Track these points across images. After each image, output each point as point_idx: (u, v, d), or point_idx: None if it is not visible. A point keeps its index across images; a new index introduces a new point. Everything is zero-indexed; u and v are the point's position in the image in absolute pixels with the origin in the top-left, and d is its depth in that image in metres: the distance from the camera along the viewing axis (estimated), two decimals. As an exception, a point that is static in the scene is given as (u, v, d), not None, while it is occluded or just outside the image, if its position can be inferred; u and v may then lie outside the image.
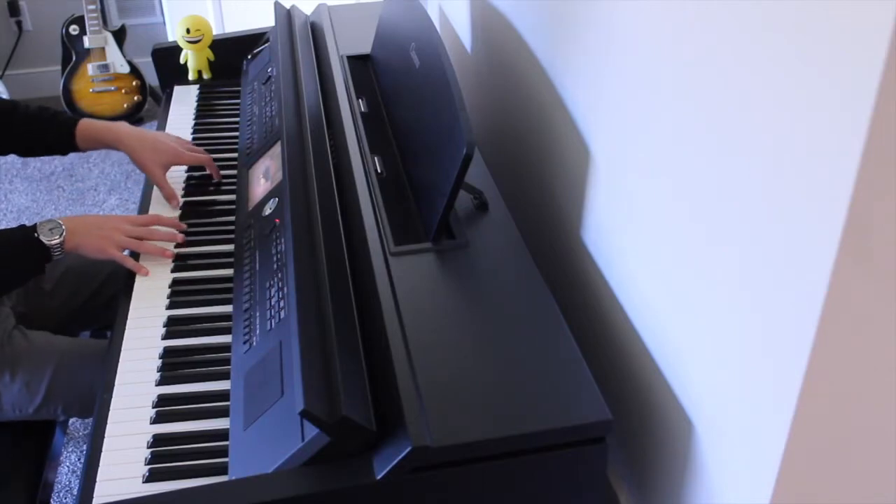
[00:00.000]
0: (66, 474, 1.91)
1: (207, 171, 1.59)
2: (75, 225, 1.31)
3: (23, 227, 1.28)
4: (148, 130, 1.55)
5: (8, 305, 1.42)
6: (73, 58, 3.12)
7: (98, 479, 1.01)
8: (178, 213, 1.50)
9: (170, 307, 1.27)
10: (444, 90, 1.20)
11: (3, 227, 2.38)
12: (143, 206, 1.52)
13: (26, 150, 1.56)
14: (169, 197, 1.51)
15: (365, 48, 1.69)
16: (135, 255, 1.36)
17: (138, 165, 1.52)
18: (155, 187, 1.56)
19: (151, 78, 2.80)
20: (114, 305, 1.30)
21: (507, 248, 1.16)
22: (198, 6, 2.67)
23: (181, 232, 1.40)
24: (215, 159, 1.64)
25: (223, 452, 1.02)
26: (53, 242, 1.27)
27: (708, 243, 0.90)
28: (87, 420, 2.02)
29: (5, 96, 3.25)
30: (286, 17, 1.84)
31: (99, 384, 1.15)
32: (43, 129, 1.51)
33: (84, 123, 1.51)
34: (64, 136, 1.51)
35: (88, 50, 3.10)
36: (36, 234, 1.27)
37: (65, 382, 1.32)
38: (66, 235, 1.28)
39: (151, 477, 1.01)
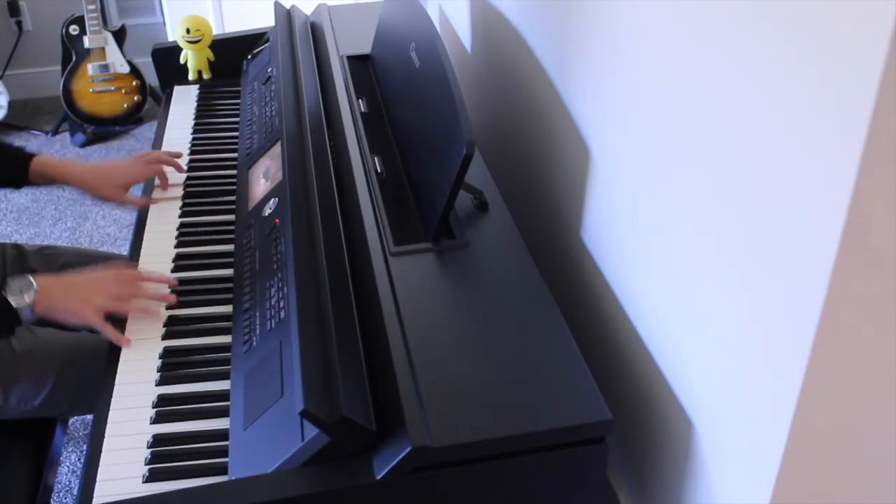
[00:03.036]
0: (66, 474, 1.91)
1: (207, 172, 1.59)
2: (49, 285, 1.19)
3: None
4: (99, 163, 1.55)
5: None
6: (73, 58, 3.12)
7: (98, 479, 1.01)
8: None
9: (169, 307, 1.27)
10: (444, 90, 1.20)
11: (2, 227, 2.37)
12: (143, 208, 1.52)
13: None
14: (144, 204, 1.49)
15: (365, 48, 1.69)
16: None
17: (96, 198, 1.49)
18: (154, 187, 1.56)
19: (151, 78, 2.80)
20: None
21: (507, 248, 1.16)
22: (198, 6, 2.67)
23: (173, 291, 1.28)
24: (215, 159, 1.65)
25: (223, 452, 1.02)
26: (21, 304, 1.15)
27: (708, 243, 0.90)
28: (87, 420, 2.02)
29: (5, 96, 3.25)
30: (286, 17, 1.84)
31: (103, 381, 1.15)
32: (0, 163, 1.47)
33: (39, 160, 1.48)
34: (19, 171, 1.47)
35: (88, 50, 3.10)
36: (3, 293, 1.15)
37: (71, 377, 1.32)
38: (36, 297, 1.16)
39: (151, 477, 1.01)
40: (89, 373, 1.30)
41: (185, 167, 1.61)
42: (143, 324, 1.23)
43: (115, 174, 1.49)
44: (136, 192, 1.55)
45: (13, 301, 1.16)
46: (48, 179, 1.48)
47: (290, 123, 1.44)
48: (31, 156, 1.49)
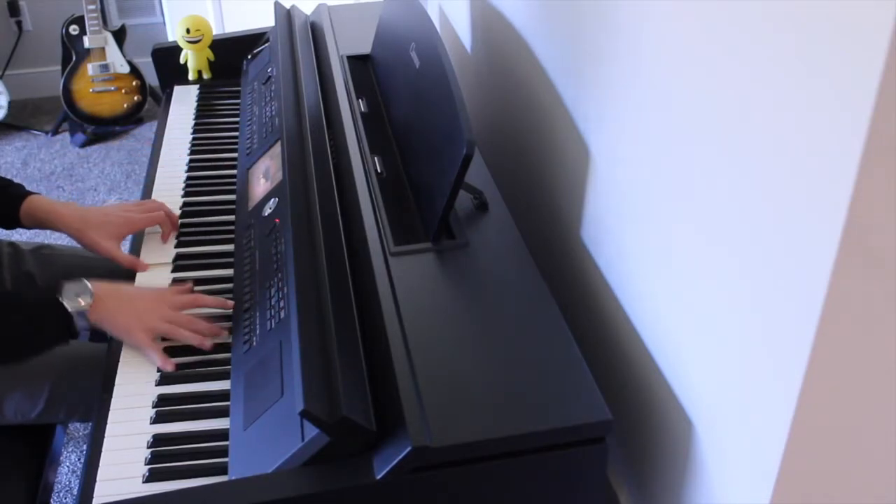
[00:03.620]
0: (66, 474, 1.91)
1: (207, 172, 1.59)
2: (107, 293, 1.14)
3: (38, 286, 1.11)
4: (94, 207, 1.41)
5: None
6: (73, 58, 3.12)
7: (98, 479, 1.01)
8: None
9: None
10: (444, 90, 1.20)
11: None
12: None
13: None
14: (132, 264, 1.35)
15: (365, 48, 1.69)
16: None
17: (86, 246, 1.36)
18: (154, 188, 1.56)
19: (151, 78, 2.80)
20: None
21: (507, 248, 1.16)
22: (198, 6, 2.67)
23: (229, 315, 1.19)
24: (215, 159, 1.65)
25: (223, 452, 1.02)
26: (77, 308, 1.11)
27: (708, 243, 0.90)
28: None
29: (5, 96, 3.25)
30: (286, 17, 1.84)
31: (99, 386, 1.15)
32: None
33: (30, 202, 1.36)
34: (10, 211, 1.36)
35: (88, 50, 3.10)
36: (59, 298, 1.11)
37: (67, 388, 1.30)
38: (92, 302, 1.11)
39: (151, 477, 1.00)
40: (86, 383, 1.28)
41: (185, 167, 1.61)
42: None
43: (109, 222, 1.37)
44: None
45: (69, 305, 1.11)
46: (38, 222, 1.37)
47: (290, 123, 1.44)
48: (23, 196, 1.37)
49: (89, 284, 1.14)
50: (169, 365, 1.14)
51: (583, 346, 1.01)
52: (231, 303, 1.23)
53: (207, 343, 1.17)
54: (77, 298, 1.12)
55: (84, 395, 1.29)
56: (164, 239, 1.41)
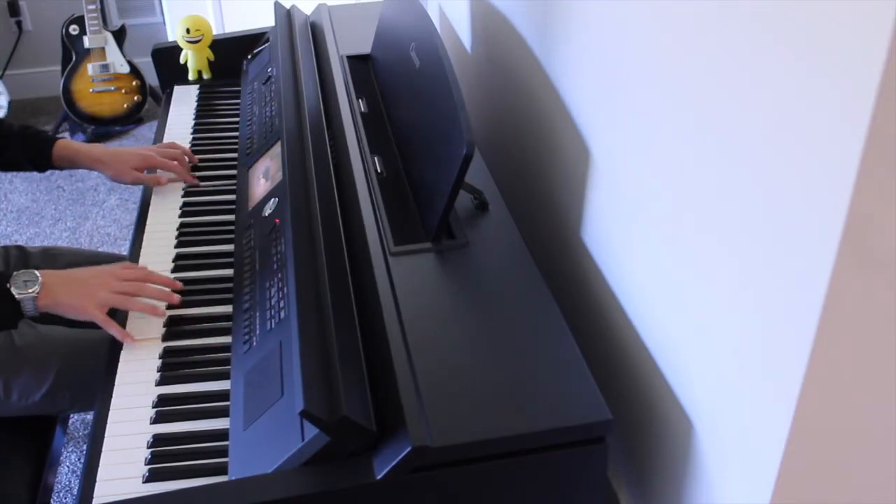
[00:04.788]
0: (66, 474, 1.91)
1: (207, 172, 1.59)
2: (54, 280, 1.20)
3: None
4: (117, 147, 1.61)
5: None
6: (73, 58, 3.12)
7: (98, 479, 1.01)
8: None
9: (170, 307, 1.27)
10: (444, 90, 1.20)
11: (2, 227, 2.37)
12: (143, 208, 1.52)
13: (6, 165, 1.56)
14: (153, 181, 1.55)
15: (365, 48, 1.69)
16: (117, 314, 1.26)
17: (112, 176, 1.54)
18: (155, 190, 1.56)
19: (151, 78, 2.80)
20: None
21: (507, 248, 1.17)
22: (198, 6, 2.67)
23: (177, 292, 1.28)
24: (215, 159, 1.65)
25: (223, 452, 1.02)
26: (24, 296, 1.17)
27: (708, 243, 0.90)
28: (87, 420, 2.03)
29: (5, 96, 3.25)
30: (286, 17, 1.84)
31: (104, 378, 1.16)
32: (24, 145, 1.53)
33: (60, 144, 1.53)
34: (43, 153, 1.53)
35: (88, 50, 3.10)
36: (7, 286, 1.17)
37: (73, 372, 1.33)
38: (40, 290, 1.18)
39: (151, 477, 1.01)
40: (91, 368, 1.31)
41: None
42: (143, 324, 1.23)
43: (129, 157, 1.54)
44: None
45: (16, 293, 1.16)
46: (69, 162, 1.54)
47: (290, 123, 1.44)
48: (54, 139, 1.54)
49: (38, 273, 1.20)
50: (128, 338, 1.20)
51: (583, 346, 1.01)
52: (178, 284, 1.29)
53: (160, 310, 1.24)
54: (25, 286, 1.17)
55: (89, 383, 1.31)
56: (186, 180, 1.57)
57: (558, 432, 0.91)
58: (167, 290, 1.27)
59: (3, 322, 1.22)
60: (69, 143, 1.55)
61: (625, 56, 1.06)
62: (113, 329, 1.21)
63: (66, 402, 1.35)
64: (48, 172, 1.91)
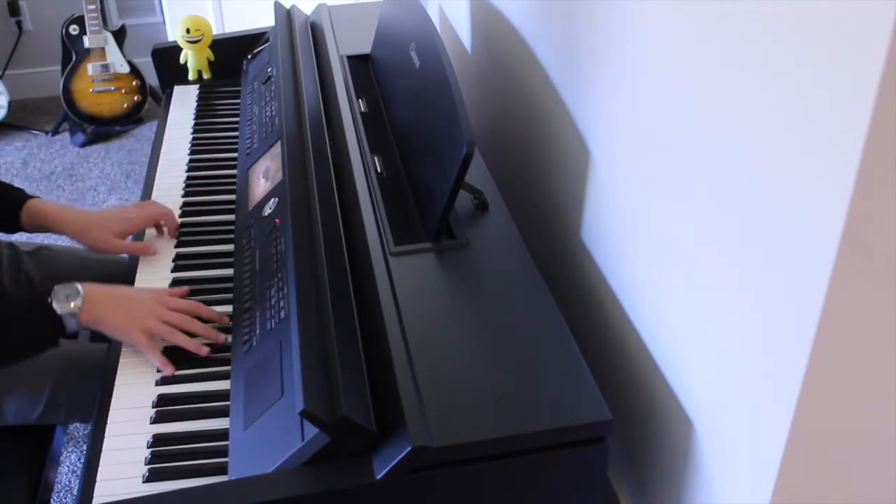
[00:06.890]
0: (66, 474, 1.91)
1: (207, 172, 1.59)
2: (97, 294, 1.13)
3: (33, 288, 1.12)
4: (92, 210, 1.41)
5: None
6: (73, 58, 3.12)
7: (98, 479, 1.01)
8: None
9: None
10: (444, 90, 1.20)
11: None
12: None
13: None
14: (143, 250, 1.38)
15: (365, 48, 1.69)
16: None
17: (89, 246, 1.38)
18: (154, 188, 1.56)
19: (151, 78, 2.80)
20: None
21: (507, 248, 1.16)
22: (198, 6, 2.67)
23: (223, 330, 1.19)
24: (215, 159, 1.65)
25: (223, 452, 1.02)
26: (67, 311, 1.11)
27: (708, 243, 0.90)
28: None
29: (5, 96, 3.25)
30: (286, 17, 1.84)
31: (99, 387, 1.15)
32: None
33: (30, 206, 1.38)
34: (11, 215, 1.38)
35: (88, 50, 3.10)
36: (49, 301, 1.11)
37: (68, 389, 1.30)
38: (83, 304, 1.11)
39: (151, 477, 1.00)
40: (86, 384, 1.28)
41: (185, 167, 1.61)
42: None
43: (108, 223, 1.38)
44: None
45: (58, 308, 1.11)
46: (40, 226, 1.39)
47: (290, 123, 1.44)
48: (24, 199, 1.39)
49: (80, 287, 1.13)
50: (169, 368, 1.14)
51: (583, 346, 1.01)
52: (226, 319, 1.22)
53: (204, 350, 1.16)
54: (67, 301, 1.12)
55: (84, 397, 1.29)
56: (172, 234, 1.42)
57: (558, 432, 0.91)
58: (212, 329, 1.20)
59: (43, 342, 1.15)
60: (41, 205, 1.38)
61: (625, 56, 1.06)
62: (154, 357, 1.15)
63: (63, 417, 1.32)
64: (48, 171, 1.88)
